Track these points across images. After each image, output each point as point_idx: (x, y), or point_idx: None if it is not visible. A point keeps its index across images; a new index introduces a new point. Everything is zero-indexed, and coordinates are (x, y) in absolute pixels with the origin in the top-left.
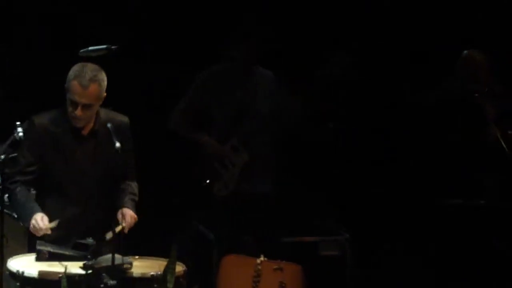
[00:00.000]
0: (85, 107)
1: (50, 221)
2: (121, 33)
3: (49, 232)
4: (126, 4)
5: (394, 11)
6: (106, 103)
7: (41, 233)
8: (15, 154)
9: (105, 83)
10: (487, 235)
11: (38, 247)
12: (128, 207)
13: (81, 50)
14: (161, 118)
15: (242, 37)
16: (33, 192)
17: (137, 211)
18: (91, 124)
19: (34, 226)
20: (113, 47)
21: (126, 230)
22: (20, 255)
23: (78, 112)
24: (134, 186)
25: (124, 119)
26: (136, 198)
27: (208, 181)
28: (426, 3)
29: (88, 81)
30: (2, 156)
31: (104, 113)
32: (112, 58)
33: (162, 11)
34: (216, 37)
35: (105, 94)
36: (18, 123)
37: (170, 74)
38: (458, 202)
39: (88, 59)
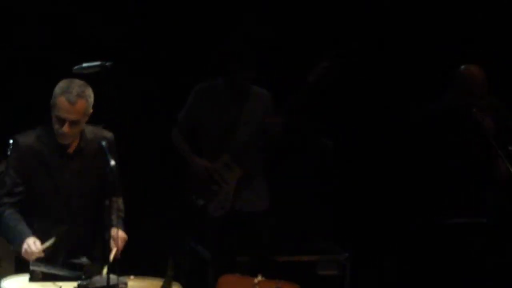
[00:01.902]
0: (73, 123)
1: (42, 242)
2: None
3: (42, 255)
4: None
5: (393, 12)
6: (93, 120)
7: (33, 258)
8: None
9: (92, 99)
10: (489, 253)
11: (32, 267)
12: (117, 227)
13: (75, 67)
14: (157, 136)
15: (239, 56)
16: (21, 216)
17: (132, 231)
18: (77, 141)
19: (26, 251)
20: (107, 63)
21: (118, 255)
22: (13, 276)
23: (66, 128)
24: (120, 202)
25: (109, 135)
26: (123, 215)
27: (201, 202)
28: (426, 3)
29: (75, 97)
30: None
31: (89, 130)
32: (106, 74)
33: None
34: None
35: (91, 110)
36: (11, 141)
37: (165, 85)
38: (460, 221)
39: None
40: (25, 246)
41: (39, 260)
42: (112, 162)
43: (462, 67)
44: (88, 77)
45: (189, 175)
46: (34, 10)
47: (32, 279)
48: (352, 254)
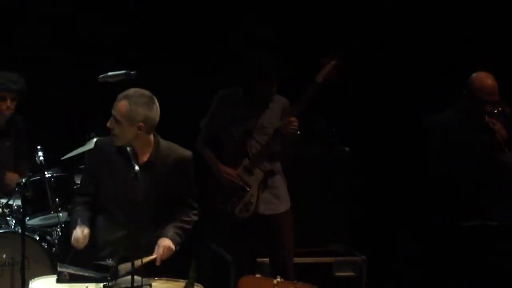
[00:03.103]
0: (115, 121)
1: (98, 242)
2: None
3: (85, 242)
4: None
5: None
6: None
7: (80, 245)
8: (61, 174)
9: (141, 109)
10: (501, 256)
11: (59, 269)
12: (167, 237)
13: (100, 76)
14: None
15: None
16: (88, 212)
17: None
18: (147, 154)
19: (74, 237)
20: (131, 72)
21: (158, 263)
22: (42, 277)
23: (109, 123)
24: (191, 214)
25: (186, 153)
26: (186, 226)
27: (228, 206)
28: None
29: (123, 97)
30: (24, 180)
31: (164, 145)
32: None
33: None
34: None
35: (139, 121)
36: (39, 147)
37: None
38: (475, 224)
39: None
40: (73, 234)
41: (67, 260)
42: (137, 168)
43: (474, 74)
44: (113, 86)
45: (215, 180)
46: (34, 10)
47: (59, 280)
48: (368, 256)
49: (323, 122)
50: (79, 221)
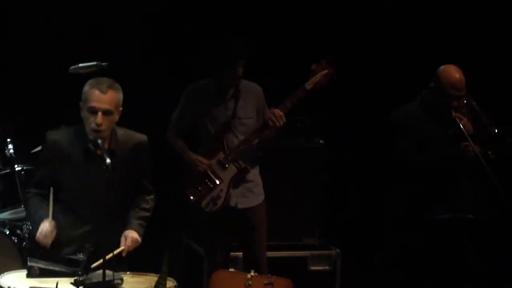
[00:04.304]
0: (105, 113)
1: (61, 236)
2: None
3: (53, 237)
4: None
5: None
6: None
7: (46, 241)
8: (31, 167)
9: (121, 96)
10: (476, 249)
11: (30, 264)
12: (133, 229)
13: (71, 67)
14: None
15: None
16: (46, 203)
17: None
18: (107, 143)
19: (40, 232)
20: (103, 63)
21: (124, 253)
22: (12, 271)
23: (99, 119)
24: (149, 199)
25: (143, 137)
26: (147, 214)
27: (192, 197)
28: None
29: (106, 87)
30: None
31: (121, 133)
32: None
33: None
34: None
35: (121, 108)
36: (8, 140)
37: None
38: (447, 216)
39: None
40: (39, 228)
41: (36, 257)
42: (108, 160)
43: (441, 67)
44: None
45: (183, 171)
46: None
47: (29, 275)
48: (342, 249)
49: (300, 114)
50: (42, 213)
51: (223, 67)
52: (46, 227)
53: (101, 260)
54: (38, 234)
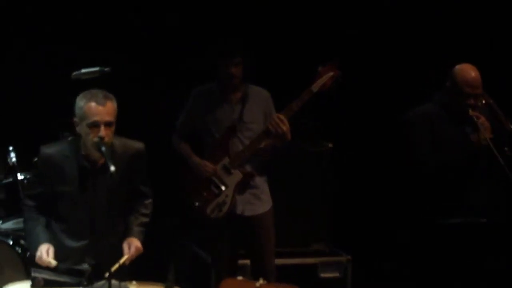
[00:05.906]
0: (107, 125)
1: (57, 253)
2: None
3: (52, 265)
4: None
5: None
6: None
7: (45, 265)
8: (29, 176)
9: (116, 104)
10: (488, 254)
11: (33, 274)
12: (135, 237)
13: (73, 73)
14: (154, 138)
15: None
16: (43, 218)
17: None
18: (103, 159)
19: (40, 258)
20: (105, 69)
21: (127, 262)
22: (16, 282)
23: (102, 132)
24: (147, 204)
25: (140, 145)
26: (147, 220)
27: (197, 203)
28: (425, 4)
29: (103, 99)
30: None
31: (118, 142)
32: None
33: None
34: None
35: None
36: (11, 148)
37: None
38: (460, 221)
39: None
40: (38, 253)
41: (41, 267)
42: (112, 168)
43: (457, 67)
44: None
45: (188, 176)
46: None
47: (33, 285)
48: (353, 256)
49: (308, 117)
50: (40, 237)
51: (219, 61)
52: (43, 254)
53: (118, 264)
54: (37, 259)
